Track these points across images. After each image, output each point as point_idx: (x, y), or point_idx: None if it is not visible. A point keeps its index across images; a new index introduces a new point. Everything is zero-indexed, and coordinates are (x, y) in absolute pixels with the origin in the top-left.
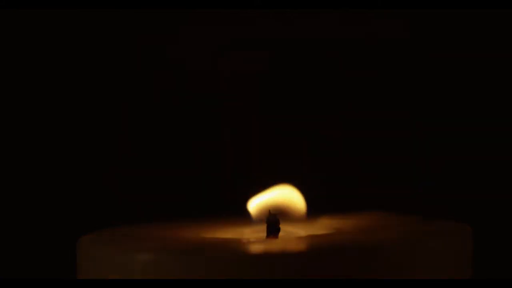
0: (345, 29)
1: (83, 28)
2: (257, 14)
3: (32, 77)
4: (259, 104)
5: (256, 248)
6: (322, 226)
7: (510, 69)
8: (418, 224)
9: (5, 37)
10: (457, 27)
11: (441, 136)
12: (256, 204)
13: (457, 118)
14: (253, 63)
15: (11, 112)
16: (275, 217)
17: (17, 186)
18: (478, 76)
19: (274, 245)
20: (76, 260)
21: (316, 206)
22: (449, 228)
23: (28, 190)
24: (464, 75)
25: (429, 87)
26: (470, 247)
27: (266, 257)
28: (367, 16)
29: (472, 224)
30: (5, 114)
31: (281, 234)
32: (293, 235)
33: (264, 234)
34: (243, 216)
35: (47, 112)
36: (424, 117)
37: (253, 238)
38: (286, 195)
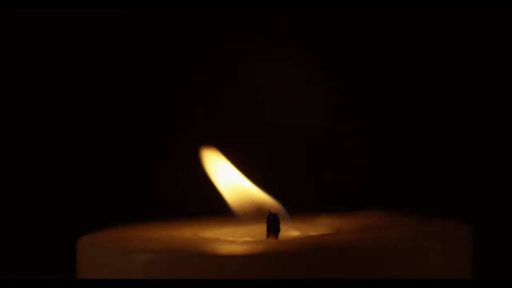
0: (345, 29)
1: (83, 28)
2: (258, 14)
3: (31, 77)
4: (258, 103)
5: (256, 248)
6: (322, 226)
7: (510, 69)
8: (418, 224)
9: (5, 37)
10: (457, 27)
11: (441, 136)
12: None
13: (457, 118)
14: (252, 62)
15: (11, 112)
16: (275, 217)
17: (17, 186)
18: (478, 76)
19: (274, 245)
20: (76, 260)
21: (317, 206)
22: (449, 228)
23: (28, 190)
24: (464, 74)
25: (428, 86)
26: (470, 247)
27: (266, 257)
28: (367, 16)
29: (472, 224)
30: (5, 114)
31: (281, 234)
32: (293, 235)
33: (264, 234)
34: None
35: (47, 112)
36: (424, 116)
37: (253, 238)
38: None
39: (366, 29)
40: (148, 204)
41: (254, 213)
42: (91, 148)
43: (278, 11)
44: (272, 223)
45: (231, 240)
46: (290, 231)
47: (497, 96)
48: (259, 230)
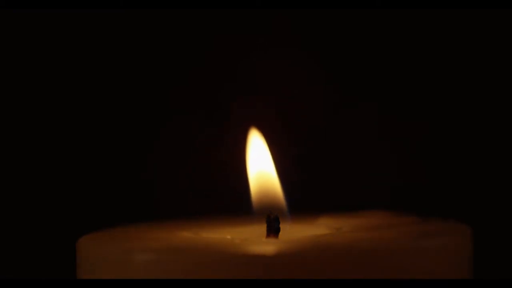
0: (345, 29)
1: (83, 28)
2: (258, 14)
3: (31, 77)
4: (259, 101)
5: (255, 248)
6: (322, 226)
7: (510, 69)
8: (418, 224)
9: (5, 37)
10: (457, 27)
11: (441, 136)
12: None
13: (457, 118)
14: (252, 62)
15: (11, 112)
16: (275, 217)
17: (17, 186)
18: (478, 76)
19: (274, 245)
20: (76, 260)
21: (317, 206)
22: (449, 228)
23: (28, 190)
24: (464, 74)
25: (428, 86)
26: (470, 247)
27: (265, 257)
28: (367, 16)
29: (472, 224)
30: (5, 114)
31: (281, 233)
32: (293, 235)
33: (264, 233)
34: (244, 215)
35: (47, 112)
36: (425, 116)
37: (253, 238)
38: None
39: (366, 29)
40: (148, 204)
41: (268, 208)
42: (91, 148)
43: (278, 11)
44: (272, 223)
45: (231, 240)
46: (290, 231)
47: (497, 96)
48: (259, 230)
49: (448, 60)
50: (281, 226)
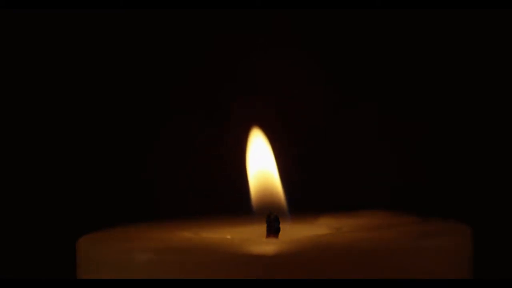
0: (345, 29)
1: (83, 28)
2: (258, 14)
3: (31, 77)
4: (259, 101)
5: (255, 248)
6: (322, 226)
7: (510, 69)
8: (418, 224)
9: (5, 37)
10: (457, 27)
11: (441, 136)
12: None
13: (457, 118)
14: (252, 62)
15: (11, 112)
16: (275, 217)
17: (17, 186)
18: (478, 76)
19: (274, 245)
20: (76, 260)
21: (317, 206)
22: (449, 228)
23: (28, 190)
24: (464, 73)
25: (428, 85)
26: (470, 247)
27: (265, 257)
28: (367, 16)
29: (472, 224)
30: (5, 114)
31: (281, 233)
32: (293, 235)
33: (264, 233)
34: (244, 215)
35: (47, 112)
36: (425, 116)
37: (253, 238)
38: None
39: (366, 29)
40: (148, 204)
41: (268, 208)
42: (91, 148)
43: (278, 11)
44: (272, 223)
45: (231, 240)
46: (290, 231)
47: (497, 96)
48: (259, 230)
49: (448, 60)
50: (281, 226)
